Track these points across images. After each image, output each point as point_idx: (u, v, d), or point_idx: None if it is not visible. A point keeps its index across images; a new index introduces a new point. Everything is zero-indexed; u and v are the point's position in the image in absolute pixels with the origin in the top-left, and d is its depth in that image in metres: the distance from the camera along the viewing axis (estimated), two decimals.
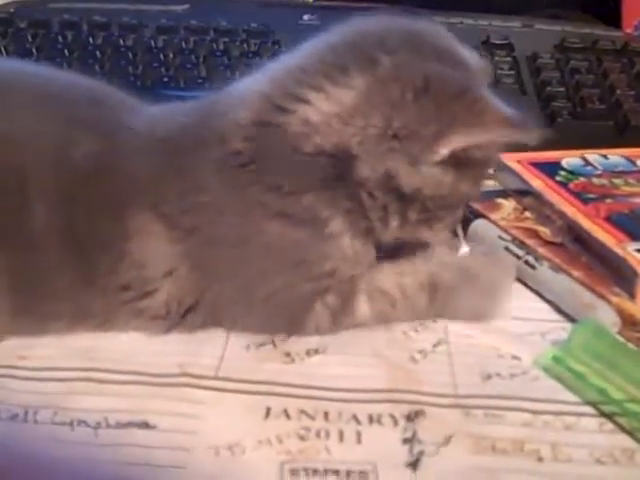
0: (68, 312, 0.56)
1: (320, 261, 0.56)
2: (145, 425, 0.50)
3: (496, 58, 0.92)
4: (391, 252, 0.60)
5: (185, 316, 0.57)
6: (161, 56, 0.92)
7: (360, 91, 0.54)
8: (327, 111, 0.54)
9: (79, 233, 0.55)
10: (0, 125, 0.55)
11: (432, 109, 0.53)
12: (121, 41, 0.94)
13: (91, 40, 0.94)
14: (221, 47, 0.94)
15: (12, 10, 0.99)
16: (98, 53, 0.92)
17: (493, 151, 0.57)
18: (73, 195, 0.55)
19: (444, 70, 0.54)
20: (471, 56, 0.58)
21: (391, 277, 0.59)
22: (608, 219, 0.64)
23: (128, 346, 0.56)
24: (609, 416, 0.51)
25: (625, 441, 0.49)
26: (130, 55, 0.92)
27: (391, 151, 0.53)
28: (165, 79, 0.89)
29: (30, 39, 0.94)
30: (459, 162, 0.54)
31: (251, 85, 0.58)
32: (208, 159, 0.55)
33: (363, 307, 0.58)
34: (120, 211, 0.55)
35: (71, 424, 0.50)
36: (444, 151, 0.53)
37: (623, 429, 0.50)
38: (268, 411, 0.51)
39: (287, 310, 0.57)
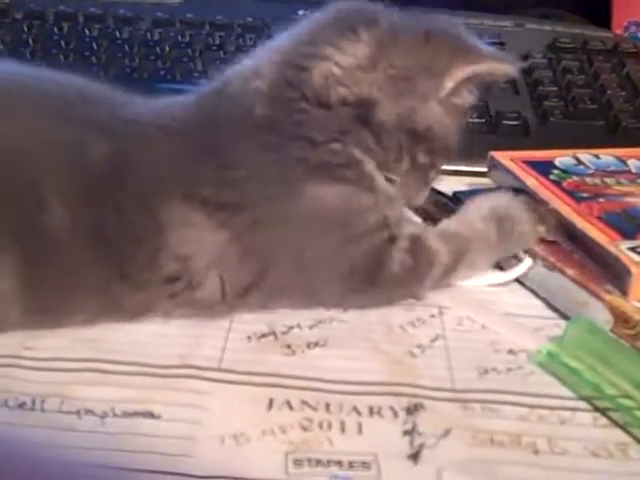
0: (96, 307, 0.56)
1: (363, 216, 0.59)
2: (150, 415, 0.50)
3: None
4: None
5: (243, 297, 0.58)
6: (157, 49, 0.92)
7: (372, 44, 0.60)
8: (347, 64, 0.59)
9: (107, 232, 0.55)
10: (7, 129, 0.55)
11: (438, 50, 0.60)
12: (117, 33, 0.94)
13: (87, 32, 0.94)
14: (217, 41, 0.95)
15: (8, 1, 0.99)
16: (94, 45, 0.92)
17: (473, 98, 0.63)
18: (95, 195, 0.55)
19: (438, 22, 0.63)
20: None
21: (453, 221, 0.64)
22: (601, 218, 0.65)
23: (131, 337, 0.57)
24: (603, 411, 0.52)
25: (619, 435, 0.51)
26: (126, 48, 0.92)
27: (406, 92, 0.60)
28: (161, 72, 0.89)
29: (26, 30, 0.94)
30: (452, 106, 0.61)
31: (258, 60, 0.61)
32: (236, 132, 0.58)
33: (437, 245, 0.61)
34: (149, 205, 0.55)
35: (78, 413, 0.50)
36: (450, 84, 0.60)
37: (617, 424, 0.52)
38: (271, 402, 0.52)
39: (363, 262, 0.58)
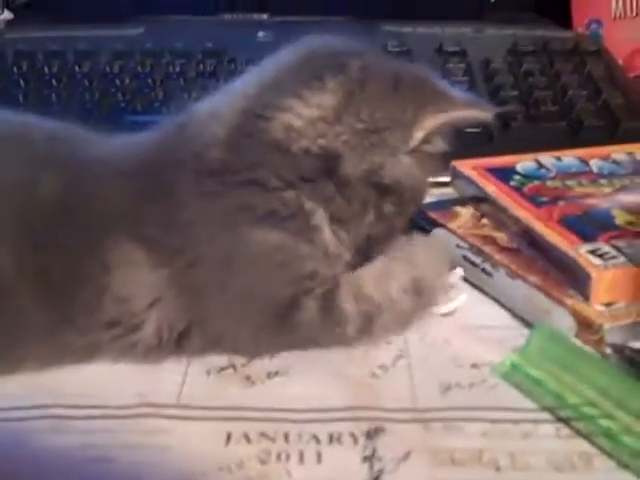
0: (45, 353, 0.56)
1: (302, 262, 0.57)
2: (106, 460, 0.50)
3: (450, 65, 0.93)
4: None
5: (180, 342, 0.57)
6: (117, 81, 0.92)
7: (338, 93, 0.58)
8: (309, 116, 0.57)
9: (53, 273, 0.54)
10: None
11: (407, 99, 0.58)
12: (76, 68, 0.94)
13: (46, 69, 0.94)
14: (177, 69, 0.94)
15: None
16: (54, 82, 0.92)
17: (446, 143, 0.61)
18: (42, 236, 0.55)
19: (408, 66, 0.63)
20: None
21: (373, 282, 0.59)
22: (561, 221, 0.65)
23: (91, 376, 0.56)
24: (566, 421, 0.52)
25: (582, 445, 0.50)
26: (86, 82, 0.92)
27: (375, 146, 0.58)
28: (122, 104, 0.89)
29: None
30: (423, 155, 0.60)
31: (222, 103, 0.60)
32: (185, 175, 0.56)
33: (348, 306, 0.58)
34: (95, 245, 0.55)
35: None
36: (420, 134, 0.58)
37: (580, 433, 0.51)
38: (229, 436, 0.51)
39: (273, 310, 0.57)
